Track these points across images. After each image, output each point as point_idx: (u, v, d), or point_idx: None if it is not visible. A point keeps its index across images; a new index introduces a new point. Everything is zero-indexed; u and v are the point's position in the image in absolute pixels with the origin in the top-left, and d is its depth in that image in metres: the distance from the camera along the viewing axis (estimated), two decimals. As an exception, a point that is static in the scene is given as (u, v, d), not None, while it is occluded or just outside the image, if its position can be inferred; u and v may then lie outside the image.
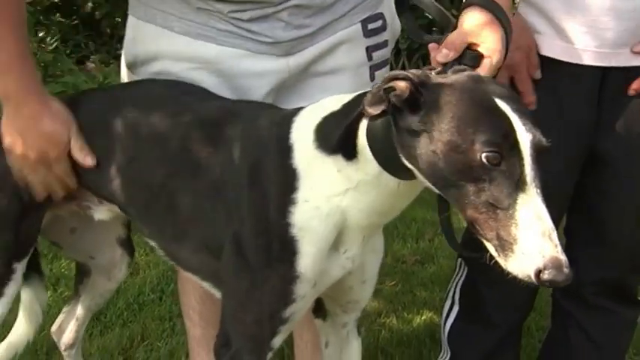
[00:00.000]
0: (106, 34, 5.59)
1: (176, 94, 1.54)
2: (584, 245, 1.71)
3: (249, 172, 1.31)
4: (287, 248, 1.23)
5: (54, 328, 1.82)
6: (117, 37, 5.45)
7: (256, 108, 1.48)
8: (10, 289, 1.53)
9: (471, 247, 1.23)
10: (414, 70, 1.08)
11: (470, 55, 1.17)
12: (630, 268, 1.76)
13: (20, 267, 1.52)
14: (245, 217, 1.30)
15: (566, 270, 0.93)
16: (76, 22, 5.94)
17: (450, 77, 1.12)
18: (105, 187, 1.47)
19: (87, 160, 1.45)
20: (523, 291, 1.67)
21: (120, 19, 5.09)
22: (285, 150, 1.26)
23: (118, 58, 1.66)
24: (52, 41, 5.56)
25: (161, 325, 2.22)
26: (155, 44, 1.56)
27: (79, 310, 1.82)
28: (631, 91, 1.58)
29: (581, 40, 1.57)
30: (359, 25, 1.59)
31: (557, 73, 1.60)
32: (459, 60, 1.17)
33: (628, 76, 1.57)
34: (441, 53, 1.20)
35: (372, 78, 1.65)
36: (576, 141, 1.63)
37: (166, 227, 1.46)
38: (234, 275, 1.34)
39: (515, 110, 1.01)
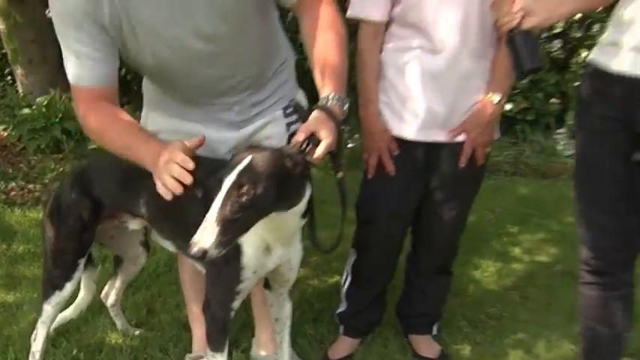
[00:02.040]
0: (133, 90, 5.43)
1: None
2: (421, 244, 1.86)
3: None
4: (235, 250, 1.33)
5: (102, 294, 1.97)
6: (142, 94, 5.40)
7: (219, 162, 1.40)
8: (77, 275, 1.65)
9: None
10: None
11: (313, 140, 1.15)
12: (446, 256, 1.89)
13: (82, 261, 1.64)
14: None
15: (195, 249, 1.05)
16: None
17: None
18: (139, 210, 1.54)
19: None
20: (385, 272, 1.88)
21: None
22: None
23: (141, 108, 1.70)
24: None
25: (171, 287, 2.30)
26: (159, 124, 1.61)
27: (117, 283, 1.97)
28: (461, 163, 1.63)
29: (412, 123, 1.62)
30: (281, 111, 1.61)
31: (404, 146, 1.65)
32: (307, 140, 1.15)
33: (443, 147, 1.63)
34: (297, 136, 1.17)
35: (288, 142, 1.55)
36: (414, 185, 1.69)
37: (177, 232, 1.54)
38: (210, 266, 1.44)
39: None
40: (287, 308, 1.65)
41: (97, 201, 1.59)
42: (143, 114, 1.69)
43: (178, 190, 1.19)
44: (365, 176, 1.74)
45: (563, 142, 4.33)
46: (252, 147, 1.20)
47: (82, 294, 1.83)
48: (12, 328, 2.01)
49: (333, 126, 1.18)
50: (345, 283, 1.92)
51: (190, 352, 1.87)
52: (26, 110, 4.24)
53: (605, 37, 1.36)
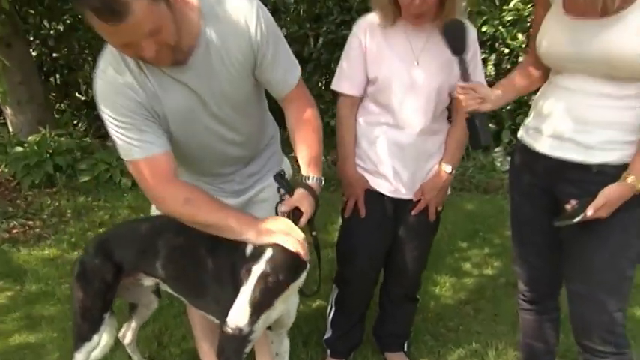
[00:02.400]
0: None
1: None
2: (392, 278, 2.03)
3: (231, 268, 1.45)
4: None
5: (120, 334, 2.03)
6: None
7: None
8: (102, 327, 1.72)
9: None
10: None
11: (295, 214, 1.35)
12: (412, 287, 2.07)
13: (107, 315, 1.71)
14: (229, 289, 1.41)
15: (231, 327, 1.18)
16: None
17: None
18: (155, 272, 1.63)
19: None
20: (363, 302, 2.05)
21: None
22: (245, 257, 1.38)
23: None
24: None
25: (175, 320, 2.38)
26: None
27: (132, 325, 2.05)
28: (414, 212, 1.83)
29: (383, 182, 1.80)
30: (272, 178, 1.62)
31: (377, 196, 1.82)
32: (293, 212, 1.35)
33: (408, 202, 1.83)
34: (281, 209, 1.36)
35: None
36: (385, 227, 1.86)
37: (189, 290, 1.64)
38: (225, 314, 1.40)
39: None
40: (285, 343, 1.78)
41: (118, 265, 1.66)
42: None
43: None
44: (343, 216, 1.91)
45: (500, 160, 4.47)
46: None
47: (105, 338, 1.83)
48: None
49: (312, 200, 1.38)
50: (330, 313, 2.08)
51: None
52: (19, 148, 4.22)
53: (529, 122, 1.58)
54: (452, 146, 1.78)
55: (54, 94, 5.05)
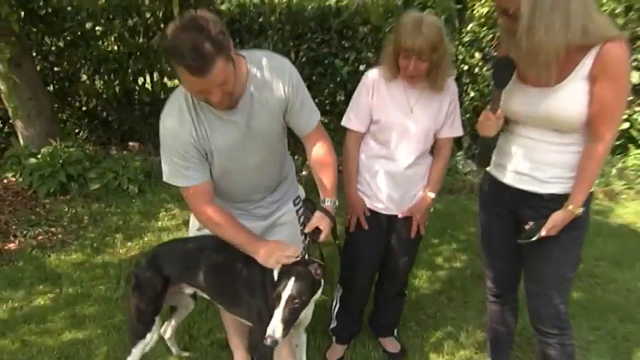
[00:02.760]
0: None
1: (222, 240, 1.74)
2: (385, 278, 2.27)
3: (260, 281, 1.67)
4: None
5: (161, 330, 2.22)
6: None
7: None
8: (154, 328, 1.90)
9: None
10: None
11: (316, 232, 1.60)
12: (401, 285, 2.33)
13: (157, 318, 1.90)
14: (259, 298, 1.67)
15: (270, 341, 1.42)
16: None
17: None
18: (198, 283, 1.82)
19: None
20: (363, 300, 2.30)
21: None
22: (272, 272, 1.63)
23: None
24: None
25: (201, 315, 2.55)
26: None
27: (172, 322, 2.26)
28: (411, 235, 2.09)
29: (380, 204, 2.04)
30: (291, 204, 1.97)
31: (374, 213, 2.07)
32: (314, 231, 1.60)
33: (397, 219, 2.07)
34: (305, 230, 1.62)
35: (299, 224, 1.98)
36: (380, 239, 2.11)
37: (226, 299, 1.83)
38: (257, 320, 1.71)
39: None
40: (303, 337, 1.98)
41: (166, 277, 1.84)
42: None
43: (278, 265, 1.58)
44: (347, 231, 2.14)
45: (462, 163, 4.76)
46: (293, 265, 1.55)
47: (155, 336, 2.02)
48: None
49: (328, 220, 1.65)
50: (335, 308, 2.31)
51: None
52: (32, 159, 4.32)
53: (495, 159, 1.86)
54: (435, 176, 2.05)
55: (56, 105, 5.06)
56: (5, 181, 4.48)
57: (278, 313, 1.47)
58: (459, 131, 2.02)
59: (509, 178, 1.79)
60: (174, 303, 2.17)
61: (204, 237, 1.87)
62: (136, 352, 1.94)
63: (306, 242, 1.62)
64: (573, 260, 1.75)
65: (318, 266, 1.57)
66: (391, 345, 2.40)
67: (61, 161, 4.30)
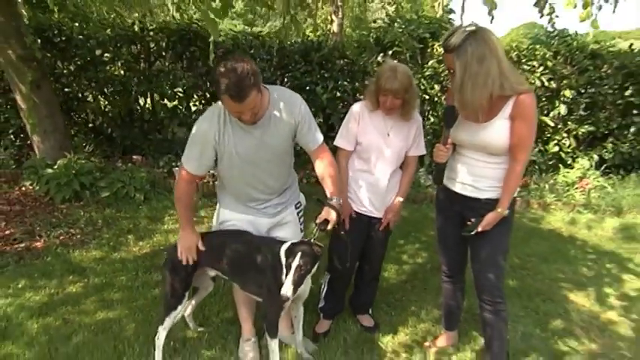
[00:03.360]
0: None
1: (239, 233, 2.11)
2: (364, 264, 2.63)
3: (270, 264, 1.99)
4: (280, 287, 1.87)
5: None
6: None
7: (270, 240, 2.09)
8: (184, 301, 2.19)
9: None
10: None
11: (325, 222, 1.89)
12: (376, 271, 2.71)
13: (187, 293, 2.19)
14: (269, 277, 1.98)
15: (284, 297, 1.75)
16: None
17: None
18: (222, 267, 2.11)
19: (189, 256, 2.11)
20: (346, 283, 2.66)
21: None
22: (279, 257, 1.94)
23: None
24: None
25: (210, 298, 2.76)
26: (227, 216, 2.19)
27: (193, 302, 2.56)
28: (381, 227, 2.48)
29: (363, 207, 2.44)
30: (293, 207, 2.27)
31: (358, 215, 2.45)
32: (323, 221, 1.89)
33: (375, 219, 2.46)
34: (317, 221, 1.89)
35: (299, 223, 2.31)
36: (361, 235, 2.49)
37: (242, 278, 2.10)
38: (267, 295, 2.02)
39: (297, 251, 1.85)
40: (301, 310, 2.28)
41: (196, 262, 2.13)
42: (218, 209, 2.26)
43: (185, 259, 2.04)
44: (335, 228, 2.39)
45: (423, 177, 5.19)
46: (300, 244, 1.92)
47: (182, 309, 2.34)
48: (127, 334, 2.51)
49: (335, 213, 1.95)
50: (323, 290, 2.67)
51: (239, 339, 2.46)
52: (49, 170, 4.60)
53: (447, 174, 2.29)
54: (404, 186, 2.48)
55: (66, 122, 5.32)
56: (23, 188, 4.72)
57: (289, 278, 1.82)
58: (422, 150, 2.44)
59: (457, 188, 2.24)
60: (197, 284, 2.48)
61: (225, 231, 2.21)
62: (169, 320, 2.25)
63: (315, 230, 1.93)
64: (503, 247, 2.20)
65: (317, 246, 1.96)
66: (367, 321, 2.75)
67: (74, 171, 4.60)
